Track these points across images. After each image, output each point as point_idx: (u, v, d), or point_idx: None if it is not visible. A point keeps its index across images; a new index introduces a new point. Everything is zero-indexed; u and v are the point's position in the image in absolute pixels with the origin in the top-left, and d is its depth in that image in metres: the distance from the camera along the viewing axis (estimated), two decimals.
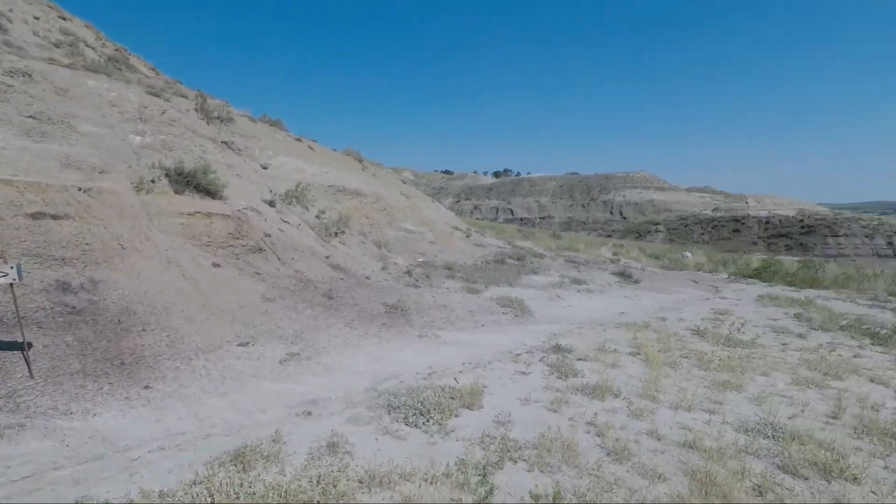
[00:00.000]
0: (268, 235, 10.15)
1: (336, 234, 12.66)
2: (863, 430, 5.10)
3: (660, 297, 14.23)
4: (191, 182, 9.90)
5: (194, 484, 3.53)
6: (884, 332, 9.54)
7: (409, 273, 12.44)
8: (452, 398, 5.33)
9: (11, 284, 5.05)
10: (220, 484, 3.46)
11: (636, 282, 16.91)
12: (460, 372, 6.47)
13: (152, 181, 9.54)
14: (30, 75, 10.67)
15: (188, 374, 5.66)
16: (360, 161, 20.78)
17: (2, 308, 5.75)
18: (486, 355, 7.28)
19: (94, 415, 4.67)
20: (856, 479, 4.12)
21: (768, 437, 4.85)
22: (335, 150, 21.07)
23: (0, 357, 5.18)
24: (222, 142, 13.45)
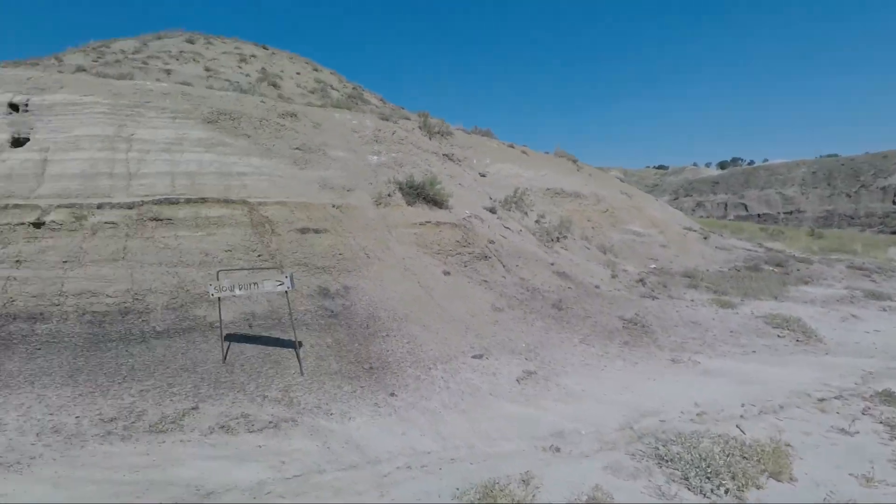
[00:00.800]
0: (491, 242, 9.95)
1: (557, 238, 11.92)
2: None
3: None
4: (420, 194, 10.32)
5: None
6: None
7: (642, 282, 10.97)
8: (745, 457, 4.02)
9: (286, 292, 5.57)
10: None
11: None
12: (742, 417, 5.02)
13: (388, 195, 10.20)
14: (295, 115, 12.59)
15: (428, 384, 5.53)
16: (574, 162, 19.72)
17: (280, 311, 6.52)
18: (772, 395, 5.60)
19: (350, 418, 4.77)
20: None
21: None
22: (547, 153, 20.46)
23: (279, 354, 5.79)
24: (443, 154, 13.98)
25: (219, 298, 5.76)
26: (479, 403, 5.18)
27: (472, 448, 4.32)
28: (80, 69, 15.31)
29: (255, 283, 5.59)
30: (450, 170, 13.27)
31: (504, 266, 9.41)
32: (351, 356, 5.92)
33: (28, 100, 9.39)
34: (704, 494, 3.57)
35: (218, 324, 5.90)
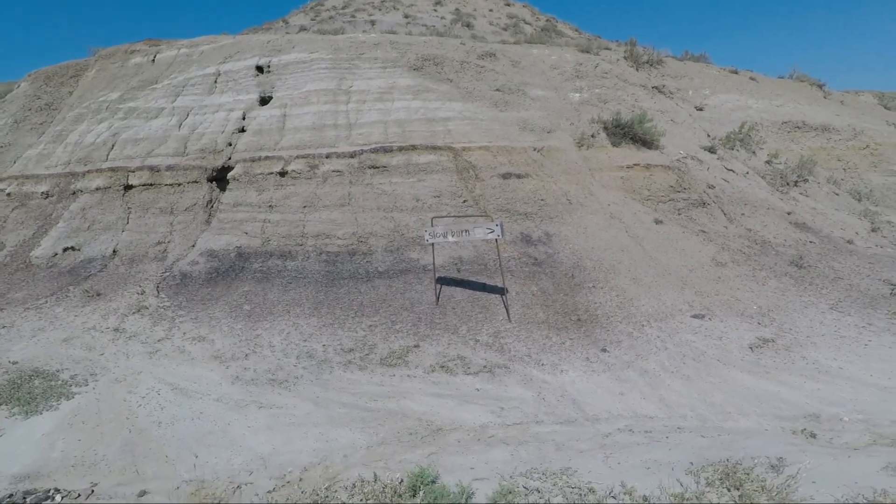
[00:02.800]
0: (711, 187, 8.73)
1: (796, 182, 9.93)
2: None
3: None
4: (627, 133, 9.45)
5: (683, 500, 2.90)
6: None
7: None
8: None
9: (496, 240, 5.67)
10: None
11: None
12: None
13: (592, 136, 9.58)
14: (493, 55, 12.42)
15: (643, 343, 5.20)
16: (820, 87, 15.93)
17: (485, 256, 6.73)
18: None
19: (561, 371, 4.76)
20: None
21: None
22: (782, 79, 16.89)
23: (487, 299, 6.03)
24: (653, 87, 12.52)
25: (432, 245, 6.16)
26: (706, 370, 4.69)
27: (702, 420, 3.94)
28: (303, 29, 17.38)
29: (466, 231, 5.82)
30: (661, 104, 11.89)
31: (726, 215, 8.21)
32: (557, 306, 5.86)
33: (269, 61, 10.98)
34: None
35: (431, 267, 6.36)
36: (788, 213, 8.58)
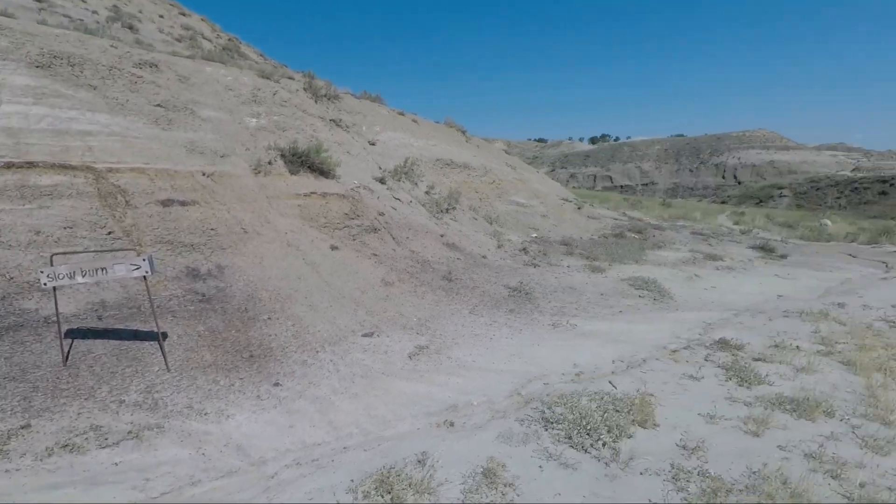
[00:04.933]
0: (381, 214, 9.72)
1: (447, 210, 12.02)
2: None
3: (820, 276, 12.01)
4: (305, 162, 9.69)
5: None
6: None
7: (524, 250, 11.52)
8: (617, 411, 4.40)
9: (144, 276, 4.87)
10: None
11: (782, 256, 14.54)
12: (613, 373, 5.50)
13: (269, 163, 9.43)
14: (156, 66, 11.00)
15: (316, 369, 5.27)
16: (463, 133, 19.94)
17: (138, 298, 5.73)
18: (637, 351, 6.22)
19: (228, 416, 4.37)
20: None
21: None
22: (437, 123, 20.43)
23: (139, 349, 5.11)
24: (331, 120, 13.26)
25: (54, 288, 4.87)
26: (372, 385, 5.06)
27: (366, 434, 4.20)
28: None
29: (103, 269, 4.80)
30: (337, 136, 12.63)
31: (394, 239, 9.25)
32: (227, 345, 5.42)
33: None
34: (585, 450, 3.84)
35: (55, 318, 5.01)
36: (442, 235, 10.28)
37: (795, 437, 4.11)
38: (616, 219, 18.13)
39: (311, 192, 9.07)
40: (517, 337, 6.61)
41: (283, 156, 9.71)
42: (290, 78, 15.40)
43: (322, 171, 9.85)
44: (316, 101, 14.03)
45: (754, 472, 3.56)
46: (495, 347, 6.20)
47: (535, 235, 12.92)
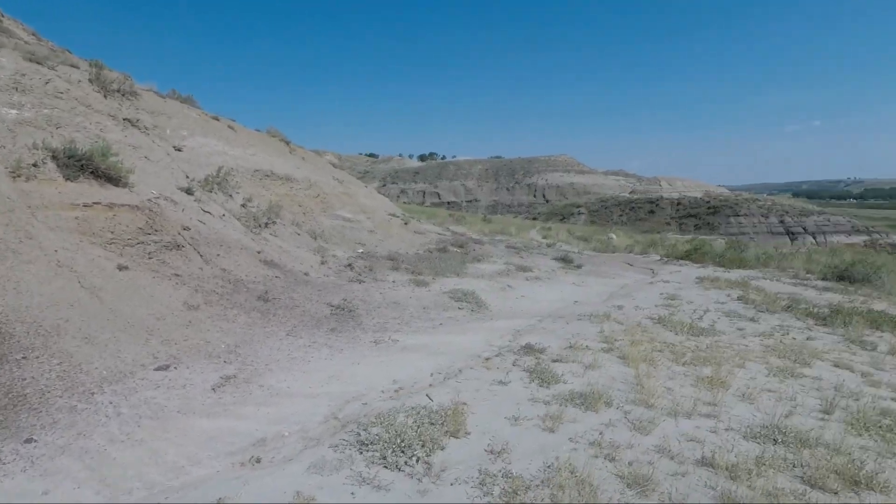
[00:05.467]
0: (186, 229, 8.66)
1: (266, 224, 11.26)
2: (860, 426, 4.90)
3: (606, 283, 14.18)
4: (86, 166, 8.16)
5: None
6: (823, 311, 9.89)
7: (350, 266, 11.36)
8: (432, 423, 4.51)
9: None
10: None
11: (578, 266, 16.85)
12: (431, 386, 5.65)
13: (34, 165, 7.73)
14: None
15: (89, 415, 4.38)
16: (287, 143, 19.06)
17: None
18: (454, 361, 6.50)
19: None
20: (886, 488, 3.81)
21: (777, 442, 4.49)
22: (259, 132, 19.18)
23: None
24: (125, 119, 11.48)
25: None
26: (164, 426, 4.38)
27: (150, 487, 3.58)
28: None
29: None
30: (133, 139, 10.98)
31: (202, 256, 8.31)
32: None
33: None
34: (399, 468, 3.83)
35: None
36: (259, 252, 9.57)
37: (582, 428, 4.67)
38: (440, 234, 19.06)
39: (95, 203, 7.67)
40: (337, 357, 6.40)
41: (55, 157, 8.06)
42: (74, 66, 12.95)
43: (110, 177, 8.41)
44: (105, 96, 12.03)
45: (549, 467, 3.92)
46: (313, 370, 5.91)
47: (361, 251, 12.86)
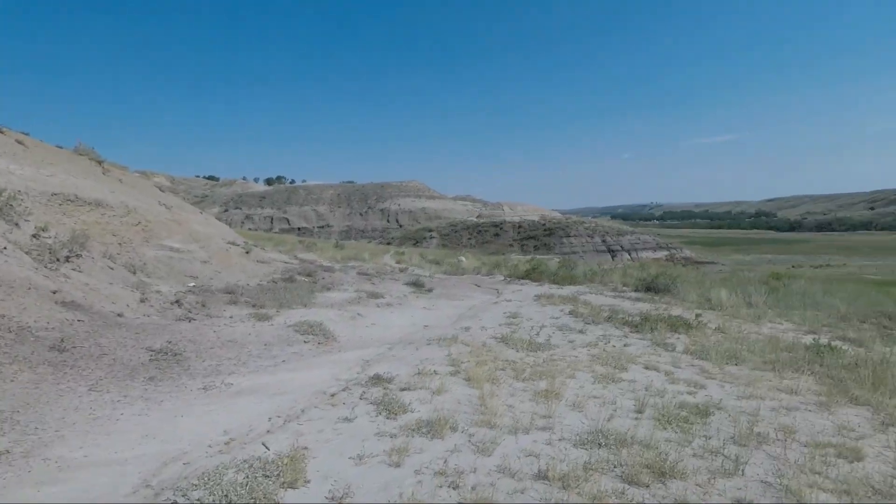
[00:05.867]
0: None
1: (68, 258, 9.48)
2: (664, 420, 5.64)
3: (456, 305, 14.69)
4: None
5: None
6: (636, 319, 11.42)
7: (178, 303, 10.07)
8: (267, 476, 4.08)
9: None
10: None
11: (429, 290, 17.24)
12: (269, 432, 5.15)
13: None
14: None
15: None
16: (100, 163, 16.51)
17: None
18: (296, 402, 6.05)
19: None
20: (684, 474, 4.39)
21: (602, 445, 4.94)
22: (61, 148, 16.35)
23: None
24: None
25: None
26: None
27: None
28: None
29: None
30: None
31: None
32: None
33: None
34: None
35: None
36: (55, 292, 7.98)
37: (428, 457, 4.62)
38: (287, 262, 18.10)
39: None
40: (155, 411, 5.51)
41: None
42: None
43: None
44: None
45: None
46: (122, 430, 4.99)
47: (192, 285, 11.53)
